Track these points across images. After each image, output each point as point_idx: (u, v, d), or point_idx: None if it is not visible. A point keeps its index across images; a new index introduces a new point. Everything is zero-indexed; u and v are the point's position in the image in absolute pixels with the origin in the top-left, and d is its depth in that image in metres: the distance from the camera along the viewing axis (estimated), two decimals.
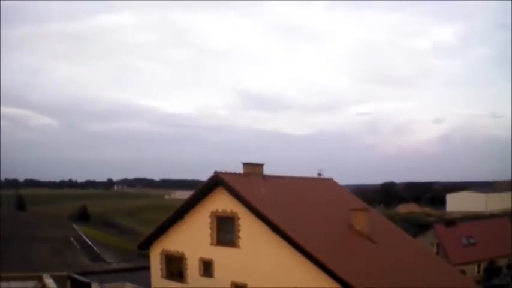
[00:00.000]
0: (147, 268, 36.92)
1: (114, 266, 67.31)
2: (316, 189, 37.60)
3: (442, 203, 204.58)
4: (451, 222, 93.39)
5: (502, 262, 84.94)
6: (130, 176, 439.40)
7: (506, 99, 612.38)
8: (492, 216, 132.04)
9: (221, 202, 30.65)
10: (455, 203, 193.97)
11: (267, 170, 34.70)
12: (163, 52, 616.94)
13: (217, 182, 30.66)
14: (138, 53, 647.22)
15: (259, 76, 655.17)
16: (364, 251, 30.95)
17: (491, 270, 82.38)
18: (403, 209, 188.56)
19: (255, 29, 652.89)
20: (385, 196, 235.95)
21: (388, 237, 35.82)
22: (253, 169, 33.41)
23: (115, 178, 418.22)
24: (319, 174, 39.65)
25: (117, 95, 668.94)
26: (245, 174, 32.86)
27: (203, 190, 31.76)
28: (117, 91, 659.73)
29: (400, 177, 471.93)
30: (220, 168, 30.83)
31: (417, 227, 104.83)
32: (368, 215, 33.84)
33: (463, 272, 67.69)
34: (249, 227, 29.09)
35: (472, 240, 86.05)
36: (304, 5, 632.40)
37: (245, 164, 33.28)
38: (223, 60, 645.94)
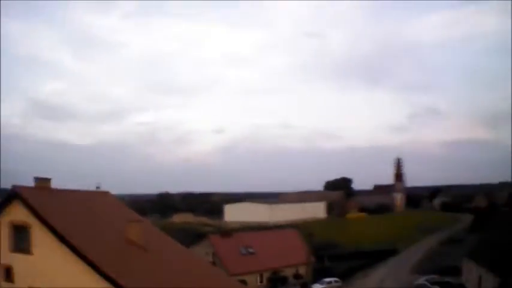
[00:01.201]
0: None
1: None
2: (95, 202, 41.82)
3: (220, 213, 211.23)
4: (226, 232, 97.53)
5: (289, 272, 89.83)
6: None
7: (299, 109, 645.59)
8: (276, 227, 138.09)
9: (18, 213, 34.33)
10: (235, 213, 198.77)
11: (55, 182, 39.05)
12: None
13: (14, 195, 34.67)
14: None
15: (53, 85, 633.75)
16: (138, 259, 36.48)
17: (276, 280, 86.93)
18: (178, 218, 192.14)
19: (51, 37, 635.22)
20: (161, 206, 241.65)
21: (161, 247, 41.81)
22: (42, 183, 37.77)
23: None
24: (98, 187, 45.50)
25: None
26: (37, 188, 37.08)
27: (3, 202, 35.45)
28: None
29: (177, 187, 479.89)
30: (15, 179, 35.28)
31: (194, 236, 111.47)
32: (141, 226, 39.49)
33: (244, 281, 72.70)
34: (40, 236, 33.02)
35: (251, 250, 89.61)
36: (101, 15, 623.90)
37: (36, 179, 37.58)
38: (22, 68, 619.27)
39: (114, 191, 49.11)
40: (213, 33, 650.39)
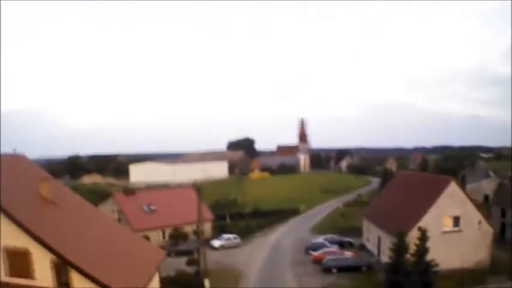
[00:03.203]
0: None
1: None
2: (11, 165, 44.10)
3: (127, 173, 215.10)
4: (129, 191, 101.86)
5: (189, 229, 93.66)
6: None
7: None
8: (180, 186, 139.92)
9: None
10: (139, 173, 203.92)
11: None
12: None
13: None
14: None
15: None
16: (49, 212, 41.15)
17: (177, 236, 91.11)
18: (87, 179, 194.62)
19: None
20: (71, 168, 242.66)
21: (71, 204, 46.84)
22: None
23: None
24: (14, 151, 48.80)
25: None
26: None
27: None
28: None
29: (87, 149, 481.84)
30: None
31: (101, 196, 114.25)
32: (52, 184, 43.99)
33: (147, 237, 77.13)
34: None
35: (152, 208, 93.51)
36: None
37: None
38: None
39: (31, 155, 52.43)
40: None
